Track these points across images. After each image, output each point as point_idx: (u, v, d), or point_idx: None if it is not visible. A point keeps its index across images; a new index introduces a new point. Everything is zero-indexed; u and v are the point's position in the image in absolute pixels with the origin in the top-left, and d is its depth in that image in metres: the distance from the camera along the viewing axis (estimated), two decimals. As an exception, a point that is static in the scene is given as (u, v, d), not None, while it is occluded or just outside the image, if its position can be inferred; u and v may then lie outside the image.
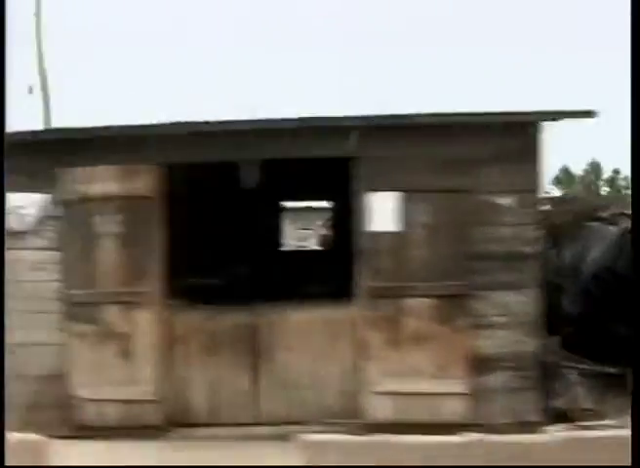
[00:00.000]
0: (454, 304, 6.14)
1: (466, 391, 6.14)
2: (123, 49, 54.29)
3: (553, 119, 6.16)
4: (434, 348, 6.16)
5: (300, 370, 6.41)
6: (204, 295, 6.60)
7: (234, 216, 10.48)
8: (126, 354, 6.37)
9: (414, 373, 6.15)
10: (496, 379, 6.20)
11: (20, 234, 6.42)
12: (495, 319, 6.19)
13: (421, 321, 6.16)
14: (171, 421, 6.37)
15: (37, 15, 11.79)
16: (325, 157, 6.40)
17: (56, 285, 6.43)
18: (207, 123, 6.23)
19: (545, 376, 6.35)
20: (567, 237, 8.28)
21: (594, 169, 43.68)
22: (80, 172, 6.36)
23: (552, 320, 6.63)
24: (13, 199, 6.38)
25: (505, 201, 6.17)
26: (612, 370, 6.96)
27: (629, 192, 6.38)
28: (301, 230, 21.33)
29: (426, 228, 6.16)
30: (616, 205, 8.38)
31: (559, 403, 6.58)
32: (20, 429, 5.37)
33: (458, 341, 6.14)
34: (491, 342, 6.18)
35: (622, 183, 39.34)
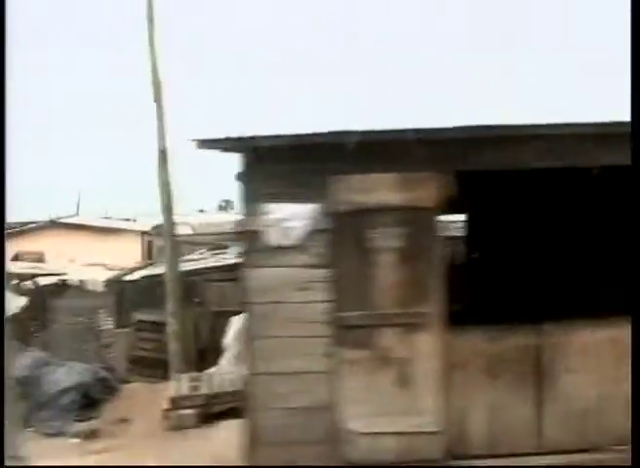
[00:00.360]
0: None
1: None
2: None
3: None
4: None
5: (586, 395, 5.94)
6: (483, 314, 6.03)
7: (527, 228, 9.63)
8: (404, 381, 5.76)
9: None
10: None
11: (284, 250, 5.70)
12: None
13: None
14: (450, 453, 5.81)
15: (150, 19, 10.66)
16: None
17: (323, 306, 5.74)
18: (498, 127, 5.64)
19: None
20: None
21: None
22: (351, 180, 5.68)
23: None
24: (276, 210, 5.67)
25: None
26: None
27: None
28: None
29: None
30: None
31: None
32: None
33: None
34: None
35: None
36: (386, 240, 5.70)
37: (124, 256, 19.71)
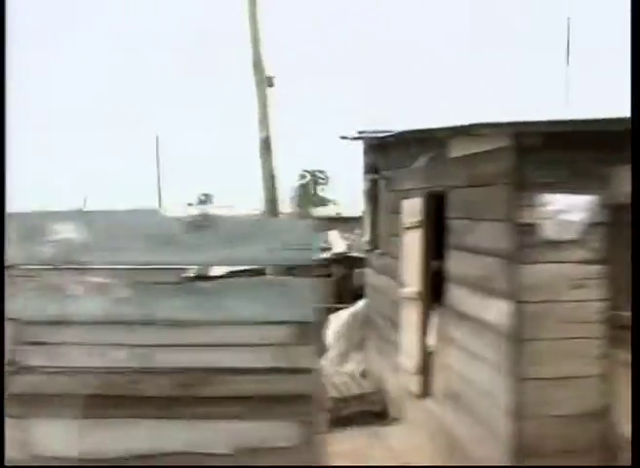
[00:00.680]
0: None
1: None
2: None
3: None
4: None
5: None
6: None
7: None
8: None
9: None
10: None
11: (560, 244, 5.25)
12: None
13: None
14: None
15: (252, 17, 9.94)
16: None
17: (598, 305, 5.33)
18: None
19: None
20: None
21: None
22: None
23: None
24: (552, 201, 5.22)
25: None
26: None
27: None
28: None
29: None
30: None
31: None
32: None
33: None
34: None
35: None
36: (667, 233, 5.30)
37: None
